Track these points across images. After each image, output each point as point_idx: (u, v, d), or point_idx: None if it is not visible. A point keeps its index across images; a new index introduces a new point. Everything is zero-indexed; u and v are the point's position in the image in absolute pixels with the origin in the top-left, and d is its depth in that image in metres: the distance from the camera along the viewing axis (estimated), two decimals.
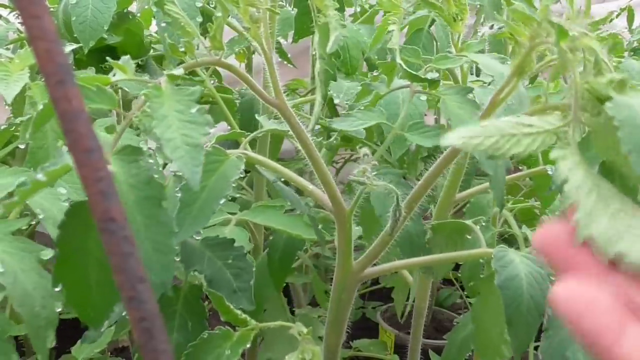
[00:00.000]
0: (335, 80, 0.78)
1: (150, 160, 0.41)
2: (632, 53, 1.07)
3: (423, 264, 0.64)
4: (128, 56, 0.48)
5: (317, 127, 0.71)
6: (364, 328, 1.36)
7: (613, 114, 0.29)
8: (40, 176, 0.41)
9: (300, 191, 0.66)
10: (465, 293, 1.39)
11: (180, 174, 0.48)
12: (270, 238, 0.78)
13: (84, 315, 0.44)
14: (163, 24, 0.76)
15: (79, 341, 0.89)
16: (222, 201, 0.48)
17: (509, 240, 1.09)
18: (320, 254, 1.03)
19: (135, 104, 0.41)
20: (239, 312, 0.55)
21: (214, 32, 0.46)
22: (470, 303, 1.37)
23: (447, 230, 0.67)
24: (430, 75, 0.67)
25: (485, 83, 0.77)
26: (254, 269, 0.60)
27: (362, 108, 0.69)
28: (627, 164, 0.28)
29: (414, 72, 0.62)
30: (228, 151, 0.51)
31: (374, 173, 0.53)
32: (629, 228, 0.27)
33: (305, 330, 0.53)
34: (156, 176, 0.41)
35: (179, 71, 0.43)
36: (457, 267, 1.25)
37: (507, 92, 0.48)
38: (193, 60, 0.47)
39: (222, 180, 0.49)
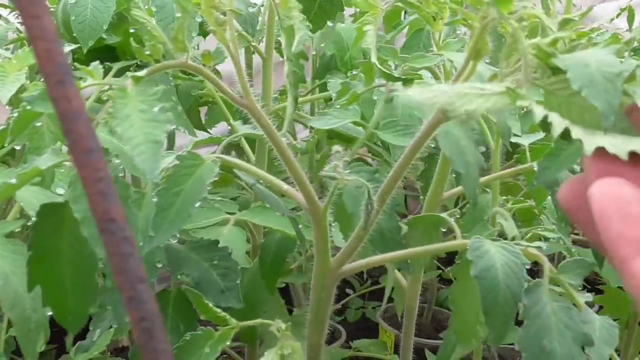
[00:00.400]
0: (304, 82, 0.79)
1: (117, 161, 0.43)
2: (632, 53, 1.07)
3: (398, 259, 0.64)
4: (97, 62, 0.49)
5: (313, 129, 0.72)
6: (364, 328, 1.36)
7: (559, 64, 0.31)
8: (13, 180, 0.42)
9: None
10: None
11: (156, 180, 0.49)
12: (262, 240, 0.78)
13: (62, 319, 0.45)
14: (132, 30, 0.76)
15: (78, 342, 0.89)
16: (197, 204, 0.49)
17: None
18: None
19: (103, 108, 0.44)
20: (218, 310, 0.55)
21: (176, 34, 0.46)
22: None
23: (422, 224, 0.67)
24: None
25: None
26: (239, 268, 0.61)
27: (339, 106, 0.70)
28: (582, 119, 0.30)
29: (388, 71, 0.62)
30: (203, 155, 0.51)
31: (347, 171, 0.54)
32: (629, 138, 0.27)
33: (284, 326, 0.53)
34: (121, 175, 0.43)
35: (142, 73, 0.44)
36: (426, 264, 1.25)
37: (465, 77, 0.48)
38: (160, 62, 0.47)
39: (197, 184, 0.49)
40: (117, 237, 0.21)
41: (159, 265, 0.54)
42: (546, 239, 0.73)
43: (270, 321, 0.55)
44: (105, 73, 0.49)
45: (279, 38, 0.95)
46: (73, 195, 0.42)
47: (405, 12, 0.96)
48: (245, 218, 0.73)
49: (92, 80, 0.47)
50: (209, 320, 0.57)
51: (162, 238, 0.47)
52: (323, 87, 0.96)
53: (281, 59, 0.98)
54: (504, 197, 0.88)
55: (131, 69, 0.84)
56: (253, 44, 0.83)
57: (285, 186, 0.57)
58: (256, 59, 0.97)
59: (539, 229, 0.80)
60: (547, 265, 0.54)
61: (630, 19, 1.25)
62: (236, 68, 0.50)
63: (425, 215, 0.70)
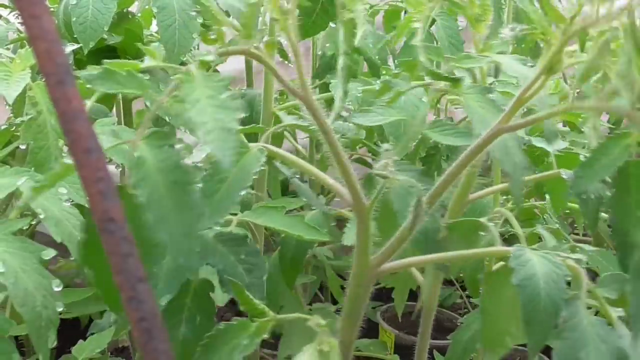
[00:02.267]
0: (356, 77, 0.79)
1: (178, 146, 0.42)
2: None
3: (440, 261, 0.64)
4: (157, 42, 0.48)
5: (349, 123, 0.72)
6: (364, 328, 1.35)
7: None
8: (57, 168, 0.42)
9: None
10: (466, 293, 1.39)
11: (200, 165, 0.49)
12: (282, 236, 0.78)
13: (110, 301, 0.44)
14: (193, 12, 0.76)
15: (79, 341, 0.89)
16: (243, 192, 0.48)
17: (509, 240, 1.08)
18: (317, 255, 1.03)
19: (166, 90, 0.42)
20: (257, 302, 0.55)
21: (247, 20, 0.46)
22: (470, 303, 1.37)
23: (462, 228, 0.67)
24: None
25: (504, 83, 0.77)
26: (266, 265, 0.60)
27: (383, 104, 0.69)
28: None
29: (436, 70, 0.62)
30: (250, 144, 0.51)
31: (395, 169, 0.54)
32: None
33: (323, 322, 0.53)
34: (184, 161, 0.41)
35: (210, 57, 0.44)
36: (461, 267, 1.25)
37: (533, 91, 0.48)
38: (223, 48, 0.47)
39: (243, 171, 0.49)
40: (117, 237, 0.21)
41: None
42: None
43: (309, 316, 0.54)
44: None
45: (279, 38, 0.95)
46: (136, 179, 0.40)
47: (405, 12, 0.96)
48: (248, 219, 0.73)
49: (152, 61, 0.46)
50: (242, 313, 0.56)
51: (207, 224, 0.47)
52: (323, 87, 0.96)
53: (281, 59, 0.99)
54: (504, 197, 0.88)
55: None
56: (255, 44, 0.83)
57: (331, 180, 0.56)
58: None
59: (539, 229, 0.80)
60: (585, 278, 0.54)
61: None
62: (295, 59, 0.50)
63: (465, 220, 0.70)
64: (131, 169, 0.41)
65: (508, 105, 0.51)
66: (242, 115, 0.40)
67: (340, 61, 0.52)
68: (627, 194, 0.46)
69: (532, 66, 0.58)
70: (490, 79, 0.73)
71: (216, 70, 0.95)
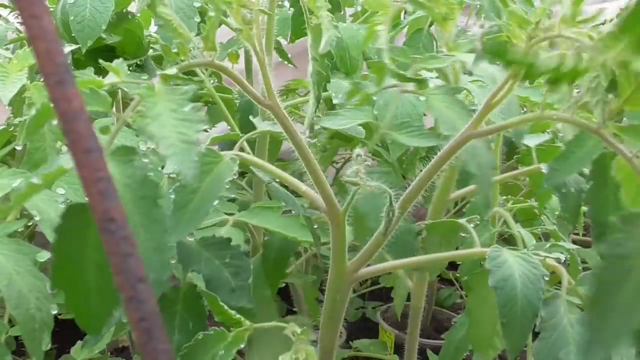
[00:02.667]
0: (328, 82, 0.78)
1: (145, 160, 0.42)
2: None
3: (417, 264, 0.64)
4: (121, 59, 0.48)
5: (317, 127, 0.71)
6: (364, 328, 1.35)
7: None
8: (35, 179, 0.41)
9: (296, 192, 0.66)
10: (465, 293, 1.39)
11: (174, 175, 0.49)
12: (266, 239, 0.77)
13: (84, 322, 0.44)
14: (158, 24, 0.76)
15: (78, 342, 0.89)
16: (215, 202, 0.48)
17: (509, 240, 1.08)
18: (318, 255, 1.03)
19: (130, 106, 0.42)
20: (232, 312, 0.55)
21: (207, 33, 0.46)
22: None
23: (441, 229, 0.67)
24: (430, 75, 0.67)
25: (483, 83, 0.77)
26: (251, 267, 0.60)
27: (350, 107, 0.69)
28: None
29: (401, 72, 0.61)
30: (222, 152, 0.51)
31: (366, 173, 0.53)
32: None
33: (299, 330, 0.53)
34: (151, 174, 0.41)
35: (172, 71, 0.44)
36: (456, 267, 1.26)
37: (501, 96, 0.48)
38: (186, 61, 0.47)
39: (215, 181, 0.49)
40: (117, 237, 0.21)
41: (172, 261, 0.53)
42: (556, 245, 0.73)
43: (285, 324, 0.54)
44: (105, 73, 0.49)
45: (277, 38, 0.95)
46: None
47: (405, 12, 0.96)
48: (244, 219, 0.73)
49: (115, 78, 0.46)
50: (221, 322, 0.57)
51: (179, 235, 0.47)
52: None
53: (280, 59, 0.98)
54: (504, 197, 0.88)
55: (130, 68, 0.84)
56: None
57: (304, 187, 0.56)
58: (255, 59, 0.97)
59: (539, 229, 0.80)
60: (565, 276, 0.54)
61: None
62: (261, 69, 0.50)
63: (444, 220, 0.70)
64: None
65: (477, 111, 0.51)
66: (205, 126, 0.40)
67: (310, 67, 0.52)
68: (604, 185, 0.45)
69: (499, 64, 0.58)
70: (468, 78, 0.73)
71: (216, 71, 0.95)
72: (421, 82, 0.61)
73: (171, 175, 0.51)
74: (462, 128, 0.53)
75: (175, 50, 0.47)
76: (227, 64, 0.88)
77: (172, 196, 0.48)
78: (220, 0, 0.45)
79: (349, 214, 0.56)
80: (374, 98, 0.71)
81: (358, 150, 0.53)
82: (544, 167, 0.65)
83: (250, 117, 0.82)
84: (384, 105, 0.69)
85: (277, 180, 0.61)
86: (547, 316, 0.51)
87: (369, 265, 0.58)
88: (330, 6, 0.50)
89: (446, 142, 0.53)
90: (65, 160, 0.42)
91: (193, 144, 0.38)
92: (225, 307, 0.55)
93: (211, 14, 0.46)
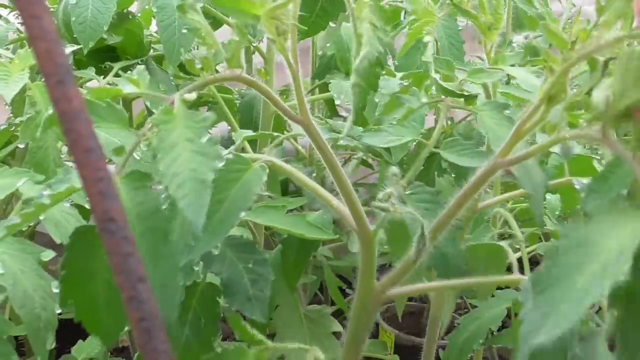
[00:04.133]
0: (373, 95, 0.76)
1: (159, 187, 0.39)
2: None
3: (448, 288, 0.61)
4: (143, 66, 0.46)
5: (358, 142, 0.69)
6: None
7: None
8: (44, 200, 0.40)
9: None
10: (466, 293, 1.39)
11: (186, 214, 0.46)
12: (284, 237, 0.77)
13: (96, 333, 0.43)
14: (161, 22, 0.75)
15: (79, 341, 0.89)
16: (243, 213, 0.44)
17: (508, 240, 1.08)
18: (316, 255, 1.03)
19: (145, 128, 0.38)
20: (255, 332, 0.52)
21: (232, 54, 0.43)
22: (470, 303, 1.37)
23: (483, 252, 0.65)
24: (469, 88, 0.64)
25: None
26: (271, 278, 0.58)
27: (394, 122, 0.66)
28: None
29: (450, 88, 0.60)
30: (249, 156, 0.48)
31: (408, 192, 0.51)
32: None
33: (322, 356, 0.51)
34: (164, 207, 0.38)
35: (191, 96, 0.40)
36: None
37: (534, 122, 0.44)
38: (212, 75, 0.43)
39: (244, 190, 0.45)
40: (117, 237, 0.21)
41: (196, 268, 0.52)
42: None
43: (307, 346, 0.52)
44: (106, 73, 0.48)
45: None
46: None
47: (405, 12, 0.96)
48: (249, 218, 0.73)
49: (134, 89, 0.43)
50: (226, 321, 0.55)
51: (202, 248, 0.43)
52: (323, 87, 0.96)
53: (280, 60, 0.98)
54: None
55: (131, 68, 0.84)
56: (254, 44, 0.83)
57: (335, 201, 0.53)
58: (256, 58, 0.97)
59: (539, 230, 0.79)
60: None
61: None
62: (294, 82, 0.46)
63: (485, 244, 0.67)
64: None
65: (505, 139, 0.49)
66: (221, 164, 0.37)
67: (352, 79, 0.50)
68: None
69: None
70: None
71: (217, 71, 0.95)
72: (470, 98, 0.59)
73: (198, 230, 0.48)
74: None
75: (199, 65, 0.43)
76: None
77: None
78: (246, 16, 0.42)
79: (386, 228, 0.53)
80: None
81: (394, 168, 0.50)
82: (576, 183, 0.62)
83: (278, 112, 0.81)
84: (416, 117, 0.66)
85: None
86: (584, 356, 0.44)
87: (400, 285, 0.56)
88: (373, 18, 0.48)
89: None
90: (77, 178, 0.40)
91: (205, 183, 0.35)
92: (248, 327, 0.52)
93: (235, 38, 0.43)
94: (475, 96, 0.60)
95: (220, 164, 0.37)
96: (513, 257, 0.62)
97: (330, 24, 0.87)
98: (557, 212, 0.82)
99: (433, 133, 0.63)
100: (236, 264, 0.57)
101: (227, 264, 0.57)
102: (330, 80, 0.85)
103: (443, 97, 0.62)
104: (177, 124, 0.38)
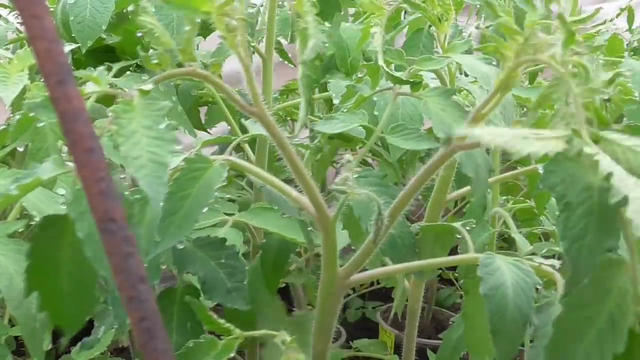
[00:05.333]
0: (318, 85, 0.78)
1: (122, 176, 0.41)
2: (632, 53, 1.07)
3: (408, 270, 0.63)
4: (102, 67, 0.48)
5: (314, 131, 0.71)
6: (364, 328, 1.36)
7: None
8: (13, 190, 0.41)
9: None
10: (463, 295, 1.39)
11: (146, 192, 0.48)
12: (263, 241, 0.77)
13: (59, 322, 0.44)
14: (139, 34, 0.76)
15: (79, 342, 0.89)
16: (205, 209, 0.47)
17: (509, 240, 1.08)
18: (320, 255, 1.03)
19: (107, 120, 0.40)
20: (221, 321, 0.54)
21: (185, 46, 0.45)
22: None
23: (434, 232, 0.66)
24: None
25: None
26: (246, 268, 0.60)
27: (345, 110, 0.69)
28: None
29: (395, 74, 0.61)
30: (212, 157, 0.51)
31: (356, 176, 0.52)
32: None
33: (288, 339, 0.53)
34: (126, 193, 0.41)
35: (148, 87, 0.42)
36: (456, 267, 1.25)
37: (490, 107, 0.47)
38: (167, 71, 0.46)
39: (205, 188, 0.48)
40: (117, 237, 0.21)
41: (163, 267, 0.53)
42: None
43: (275, 332, 0.54)
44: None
45: (278, 38, 0.95)
46: (77, 212, 0.40)
47: (405, 12, 0.96)
48: (244, 219, 0.73)
49: (96, 87, 0.46)
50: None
51: (168, 243, 0.46)
52: (322, 88, 0.96)
53: (281, 59, 0.98)
54: (504, 197, 0.88)
55: (130, 69, 0.84)
56: (253, 44, 0.83)
57: (294, 193, 0.56)
58: (255, 59, 0.97)
59: (539, 229, 0.80)
60: (560, 283, 0.53)
61: (630, 19, 1.25)
62: (246, 75, 0.48)
63: (438, 224, 0.69)
64: (70, 203, 0.40)
65: (448, 124, 0.51)
66: (179, 146, 0.40)
67: (299, 71, 0.51)
68: None
69: (496, 65, 0.58)
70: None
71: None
72: (416, 85, 0.61)
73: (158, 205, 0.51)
74: (458, 130, 0.52)
75: (155, 61, 0.46)
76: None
77: (161, 203, 0.47)
78: (196, 12, 0.44)
79: (343, 217, 0.55)
80: (375, 99, 0.71)
81: (347, 156, 0.52)
82: (540, 168, 0.65)
83: (242, 120, 0.82)
84: (383, 105, 0.69)
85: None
86: (540, 324, 0.49)
87: (363, 270, 0.58)
88: (316, 11, 0.49)
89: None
90: (43, 170, 0.42)
91: (164, 164, 0.38)
92: (214, 316, 0.54)
93: (186, 28, 0.45)
94: (419, 82, 0.61)
95: (178, 147, 0.39)
96: (468, 237, 0.63)
97: (326, 24, 0.87)
98: (556, 213, 0.82)
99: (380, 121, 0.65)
100: (208, 262, 0.59)
101: (200, 264, 0.59)
102: (329, 80, 0.85)
103: (392, 85, 0.63)
104: (136, 113, 0.40)
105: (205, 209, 0.47)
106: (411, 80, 0.62)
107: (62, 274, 0.42)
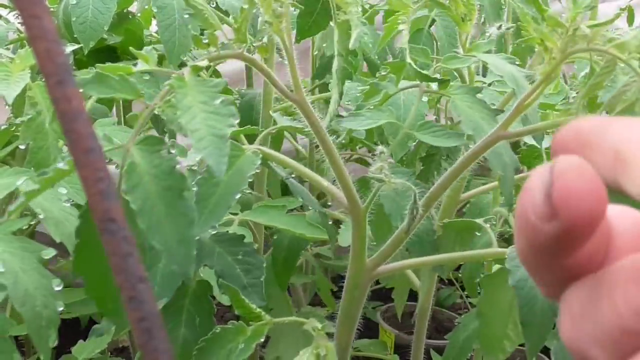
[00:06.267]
0: (351, 79, 0.78)
1: (172, 151, 0.41)
2: None
3: (434, 263, 0.64)
4: (151, 46, 0.48)
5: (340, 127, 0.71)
6: (364, 328, 1.35)
7: None
8: (35, 185, 0.41)
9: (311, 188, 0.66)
10: (466, 293, 1.39)
11: (195, 167, 0.49)
12: (274, 238, 0.77)
13: (103, 307, 0.44)
14: (186, 15, 0.76)
15: (79, 341, 0.89)
16: (237, 196, 0.48)
17: (509, 240, 1.08)
18: (320, 255, 1.03)
19: (159, 95, 0.41)
20: (253, 306, 0.55)
21: (240, 25, 0.46)
22: (470, 303, 1.37)
23: (456, 228, 0.67)
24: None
25: (485, 83, 0.76)
26: (264, 265, 0.60)
27: (372, 107, 0.69)
28: None
29: (424, 72, 0.61)
30: (244, 146, 0.51)
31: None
32: None
33: (319, 325, 0.53)
34: (178, 167, 0.41)
35: (203, 62, 0.44)
36: (456, 267, 1.25)
37: (533, 98, 0.49)
38: (217, 52, 0.46)
39: (238, 175, 0.49)
40: (117, 237, 0.21)
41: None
42: None
43: (305, 319, 0.54)
44: None
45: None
46: (128, 185, 0.40)
47: None
48: (250, 218, 0.73)
49: (145, 65, 0.46)
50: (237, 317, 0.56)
51: (201, 228, 0.46)
52: (323, 87, 0.96)
53: (280, 59, 0.98)
54: (504, 197, 0.88)
55: None
56: (255, 44, 0.83)
57: (325, 182, 0.56)
58: (256, 57, 0.97)
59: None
60: None
61: (630, 19, 1.25)
62: (289, 61, 0.49)
63: (461, 220, 0.70)
64: (123, 175, 0.40)
65: (506, 113, 0.51)
66: (236, 121, 0.40)
67: (335, 63, 0.52)
68: None
69: (519, 65, 0.59)
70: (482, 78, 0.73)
71: (216, 71, 0.95)
72: (443, 82, 0.61)
73: (192, 168, 0.51)
74: (486, 128, 0.53)
75: (206, 40, 0.47)
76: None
77: (195, 188, 0.47)
78: None
79: (370, 212, 0.56)
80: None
81: (381, 147, 0.52)
82: None
83: (271, 112, 0.81)
84: (404, 105, 0.69)
85: (294, 176, 0.61)
86: None
87: (387, 263, 0.58)
88: (359, 2, 0.50)
89: (472, 143, 0.53)
90: (62, 163, 0.42)
91: (223, 137, 0.38)
92: (246, 300, 0.54)
93: (245, 6, 0.46)
94: (447, 80, 0.62)
95: (236, 121, 0.40)
96: (491, 233, 0.64)
97: (331, 24, 0.87)
98: None
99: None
100: (226, 257, 0.59)
101: (217, 258, 0.59)
102: (330, 80, 0.85)
103: (418, 82, 0.63)
104: (190, 89, 0.40)
105: (238, 195, 0.48)
106: (440, 78, 0.62)
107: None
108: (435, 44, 0.90)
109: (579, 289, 0.20)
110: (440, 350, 1.10)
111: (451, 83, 0.63)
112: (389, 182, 0.49)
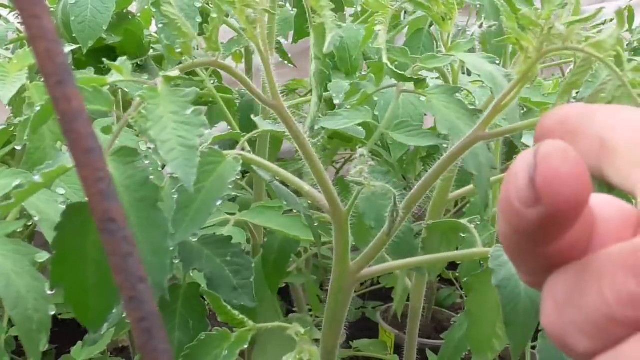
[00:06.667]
0: (330, 81, 0.78)
1: (147, 162, 0.41)
2: (632, 53, 1.07)
3: (419, 264, 0.64)
4: (125, 57, 0.47)
5: (317, 127, 0.71)
6: (364, 328, 1.35)
7: None
8: (37, 178, 0.41)
9: (297, 192, 0.66)
10: (465, 293, 1.39)
11: (177, 175, 0.48)
12: (265, 240, 0.77)
13: (83, 318, 0.44)
14: (160, 25, 0.76)
15: (78, 342, 0.89)
16: (218, 202, 0.48)
17: None
18: (319, 255, 1.03)
19: (132, 106, 0.41)
20: (236, 312, 0.55)
21: (210, 34, 0.45)
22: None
23: (441, 229, 0.67)
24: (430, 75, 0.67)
25: (483, 83, 0.76)
26: (252, 266, 0.60)
27: (349, 107, 0.69)
28: None
29: (400, 72, 0.61)
30: (224, 152, 0.51)
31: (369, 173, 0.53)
32: None
33: (302, 330, 0.53)
34: (152, 177, 0.41)
35: (174, 72, 0.43)
36: (456, 267, 1.25)
37: (510, 97, 0.48)
38: (189, 61, 0.46)
39: (219, 181, 0.48)
40: (117, 237, 0.21)
41: (175, 261, 0.53)
42: None
43: (288, 324, 0.54)
44: (105, 73, 0.49)
45: (278, 38, 0.95)
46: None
47: (405, 12, 0.96)
48: (246, 219, 0.73)
49: (118, 76, 0.46)
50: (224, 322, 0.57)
51: (183, 235, 0.46)
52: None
53: (280, 59, 0.98)
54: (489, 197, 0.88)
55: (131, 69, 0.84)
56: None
57: (307, 187, 0.56)
58: (256, 59, 0.97)
59: None
60: None
61: (630, 19, 1.25)
62: (265, 68, 0.49)
63: (445, 220, 0.70)
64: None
65: (484, 113, 0.51)
66: (207, 130, 0.40)
67: (313, 66, 0.52)
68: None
69: (498, 64, 0.59)
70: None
71: (217, 71, 0.95)
72: (420, 82, 0.61)
73: (174, 175, 0.51)
74: (462, 128, 0.53)
75: (179, 50, 0.46)
76: (230, 63, 0.88)
77: (175, 196, 0.47)
78: (223, 1, 0.45)
79: (351, 216, 0.56)
80: (375, 98, 0.71)
81: (361, 150, 0.52)
82: None
83: (252, 117, 0.81)
84: (384, 105, 0.69)
85: (279, 179, 0.60)
86: None
87: (371, 265, 0.58)
88: (333, 6, 0.50)
89: (447, 142, 0.53)
90: (67, 159, 0.42)
91: (193, 148, 0.38)
92: (229, 307, 0.54)
93: (213, 15, 0.45)
94: (423, 80, 0.61)
95: (207, 130, 0.40)
96: (475, 232, 0.64)
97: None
98: None
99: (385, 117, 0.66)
100: (214, 259, 0.59)
101: (206, 261, 0.59)
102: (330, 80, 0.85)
103: (395, 82, 0.64)
104: (162, 99, 0.40)
105: (219, 202, 0.47)
106: (415, 77, 0.62)
107: (88, 264, 0.42)
108: (435, 44, 0.89)
109: (563, 275, 0.20)
110: (438, 350, 1.10)
111: (431, 83, 0.63)
112: (369, 185, 0.49)
